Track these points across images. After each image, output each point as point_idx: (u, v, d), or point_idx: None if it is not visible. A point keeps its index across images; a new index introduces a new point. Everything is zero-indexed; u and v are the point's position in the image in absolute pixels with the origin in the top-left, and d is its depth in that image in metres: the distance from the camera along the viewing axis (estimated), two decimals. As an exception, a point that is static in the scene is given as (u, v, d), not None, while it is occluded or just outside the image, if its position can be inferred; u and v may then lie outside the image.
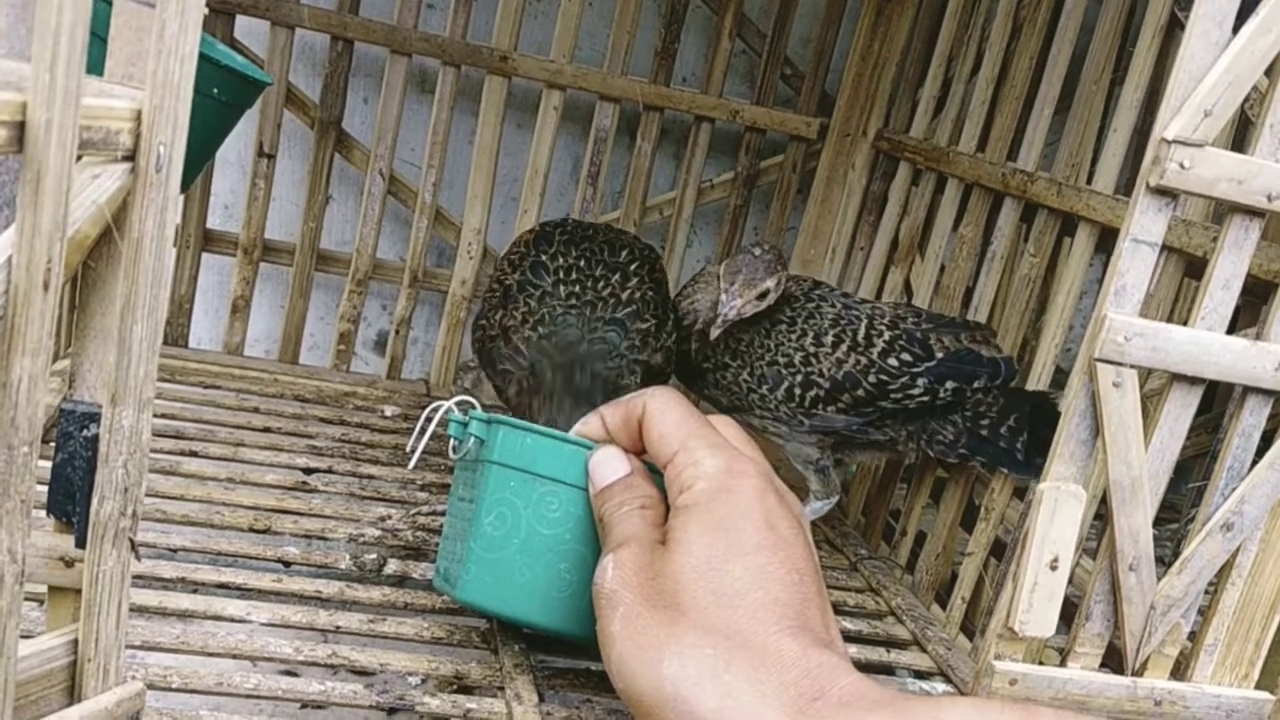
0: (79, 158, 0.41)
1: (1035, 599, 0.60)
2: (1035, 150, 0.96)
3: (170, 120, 0.43)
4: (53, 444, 0.46)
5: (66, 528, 0.47)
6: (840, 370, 0.89)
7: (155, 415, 0.96)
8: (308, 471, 0.93)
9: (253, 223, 1.15)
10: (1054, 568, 0.59)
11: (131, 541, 0.47)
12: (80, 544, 0.46)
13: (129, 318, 0.44)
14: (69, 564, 0.47)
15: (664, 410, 0.62)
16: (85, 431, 0.45)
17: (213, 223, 1.17)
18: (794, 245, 1.30)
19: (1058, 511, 0.59)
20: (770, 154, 1.28)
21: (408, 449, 0.70)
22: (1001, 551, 0.88)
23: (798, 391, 0.90)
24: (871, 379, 0.88)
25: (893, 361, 0.88)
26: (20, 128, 0.38)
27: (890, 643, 0.86)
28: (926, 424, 0.91)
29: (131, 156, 0.43)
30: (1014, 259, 1.00)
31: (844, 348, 0.89)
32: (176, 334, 1.15)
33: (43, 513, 0.47)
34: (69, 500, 0.46)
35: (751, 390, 0.91)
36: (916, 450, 0.93)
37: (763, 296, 0.89)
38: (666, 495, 0.60)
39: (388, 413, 1.10)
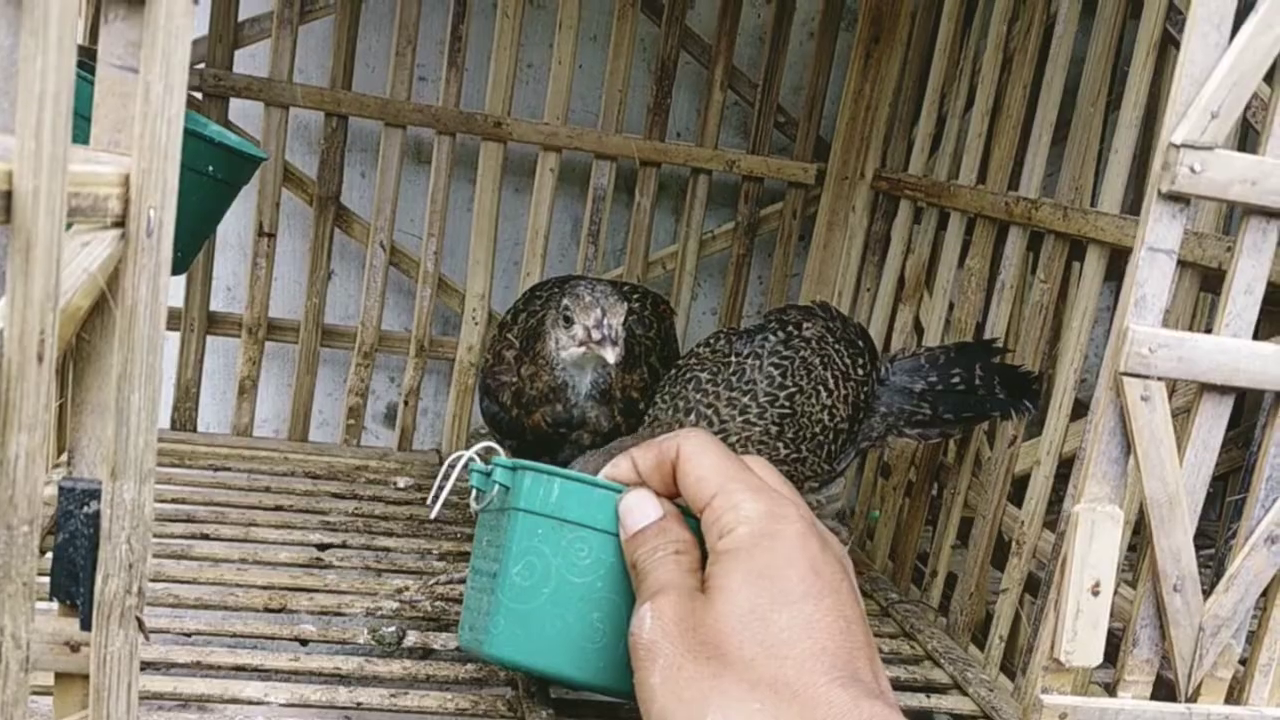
0: (68, 225, 0.40)
1: (1079, 626, 0.57)
2: (1036, 177, 0.95)
3: (159, 184, 0.42)
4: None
5: (71, 611, 0.45)
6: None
7: (165, 500, 0.95)
8: (322, 548, 0.91)
9: (256, 302, 1.15)
10: (1096, 593, 0.57)
11: (139, 620, 0.46)
12: (85, 626, 0.45)
13: (126, 388, 0.43)
14: (75, 648, 0.45)
15: (700, 452, 0.59)
16: (86, 509, 0.44)
17: (216, 305, 1.16)
18: (799, 291, 1.29)
19: (1095, 534, 0.57)
20: (769, 202, 1.27)
21: (429, 499, 0.67)
22: (1036, 587, 0.86)
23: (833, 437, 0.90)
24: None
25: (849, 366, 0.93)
26: (7, 196, 0.37)
27: (930, 688, 0.84)
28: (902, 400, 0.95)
29: (121, 223, 0.42)
30: (1023, 288, 0.99)
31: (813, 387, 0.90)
32: (184, 419, 1.14)
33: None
34: (72, 581, 0.45)
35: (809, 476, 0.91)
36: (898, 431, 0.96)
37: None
38: (701, 540, 0.58)
39: (400, 484, 1.08)
